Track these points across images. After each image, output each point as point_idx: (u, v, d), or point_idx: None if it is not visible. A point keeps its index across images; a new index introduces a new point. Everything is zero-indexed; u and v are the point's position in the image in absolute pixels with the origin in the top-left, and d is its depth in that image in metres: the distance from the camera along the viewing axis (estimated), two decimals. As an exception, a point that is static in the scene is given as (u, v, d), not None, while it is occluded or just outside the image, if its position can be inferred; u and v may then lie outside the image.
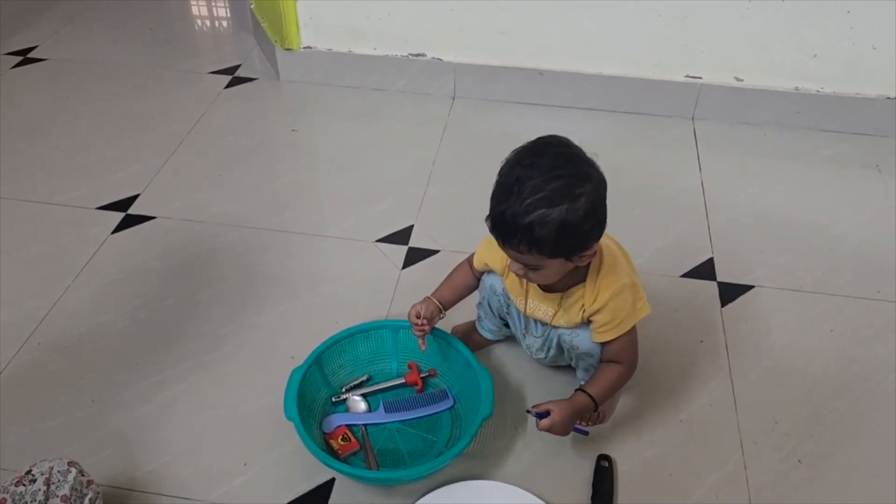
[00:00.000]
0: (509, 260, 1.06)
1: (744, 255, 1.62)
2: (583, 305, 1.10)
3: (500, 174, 1.00)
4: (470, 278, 1.26)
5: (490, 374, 1.22)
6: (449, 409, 1.28)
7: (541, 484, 1.17)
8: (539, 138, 1.01)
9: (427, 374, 1.32)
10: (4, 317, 1.43)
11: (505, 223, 0.97)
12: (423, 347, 1.24)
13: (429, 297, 1.24)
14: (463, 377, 1.27)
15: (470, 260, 1.26)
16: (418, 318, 1.21)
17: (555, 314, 1.15)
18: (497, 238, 1.01)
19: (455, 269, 1.29)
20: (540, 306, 1.16)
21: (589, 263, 1.09)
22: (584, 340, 1.15)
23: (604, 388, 1.15)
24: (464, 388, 1.26)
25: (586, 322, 1.13)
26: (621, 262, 1.12)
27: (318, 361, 1.25)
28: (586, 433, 1.20)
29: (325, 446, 1.20)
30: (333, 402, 1.28)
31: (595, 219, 0.99)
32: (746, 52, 1.95)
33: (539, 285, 1.13)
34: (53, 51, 2.35)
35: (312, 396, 1.24)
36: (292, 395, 1.17)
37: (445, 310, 1.24)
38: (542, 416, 1.11)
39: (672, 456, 1.22)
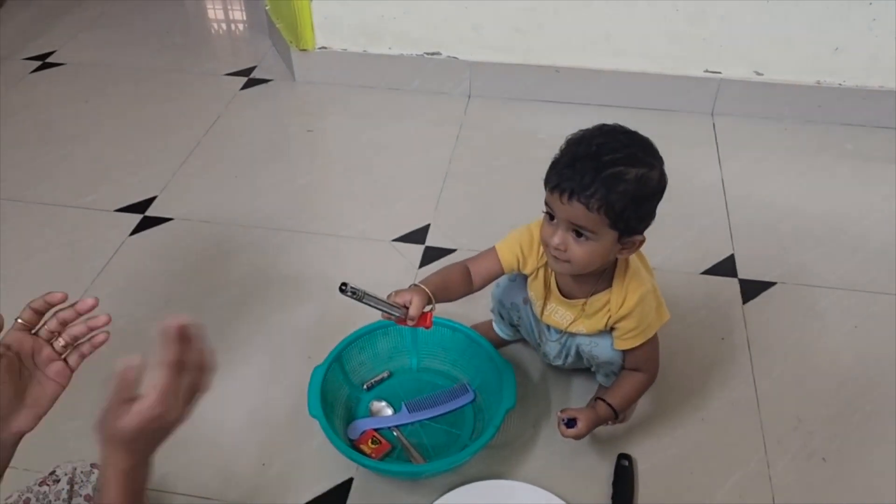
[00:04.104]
0: (542, 256, 1.03)
1: (765, 251, 1.60)
2: (608, 311, 1.08)
3: (568, 143, 0.97)
4: (463, 279, 1.14)
5: (512, 366, 1.21)
6: (470, 402, 1.27)
7: (561, 483, 1.16)
8: (607, 123, 1.00)
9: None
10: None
11: (582, 174, 0.92)
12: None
13: (419, 285, 1.07)
14: (484, 370, 1.26)
15: (468, 264, 1.16)
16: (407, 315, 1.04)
17: (573, 321, 1.13)
18: (562, 193, 0.93)
19: (450, 266, 1.16)
20: (558, 310, 1.14)
21: (614, 270, 1.07)
22: (604, 350, 1.13)
23: (624, 399, 1.14)
24: (485, 382, 1.26)
25: (608, 329, 1.11)
26: (642, 269, 1.10)
27: (339, 359, 1.26)
28: None
29: (351, 446, 1.19)
30: (366, 388, 1.29)
31: (657, 201, 0.98)
32: (766, 46, 1.92)
33: (563, 292, 1.11)
34: (71, 55, 2.37)
35: (334, 394, 1.24)
36: (315, 393, 1.17)
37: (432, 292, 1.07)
38: (569, 422, 1.11)
39: (693, 455, 1.21)
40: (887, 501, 1.15)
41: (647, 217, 0.99)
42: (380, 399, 1.29)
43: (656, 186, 0.96)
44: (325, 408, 1.16)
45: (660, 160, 0.98)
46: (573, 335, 1.16)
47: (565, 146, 0.98)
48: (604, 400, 1.13)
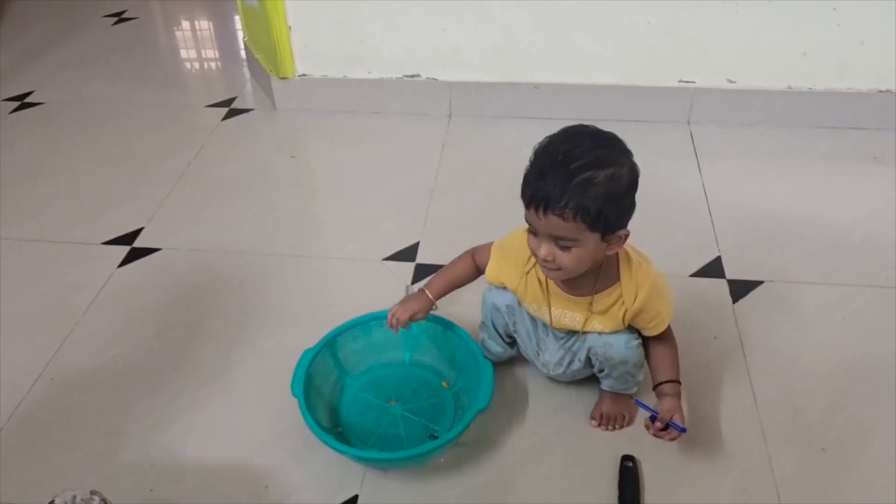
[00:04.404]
0: (530, 259, 1.06)
1: (751, 252, 1.63)
2: (623, 305, 1.09)
3: (536, 154, 0.99)
4: (469, 271, 1.24)
5: (493, 367, 1.22)
6: (452, 398, 1.29)
7: (566, 487, 1.16)
8: (571, 125, 1.02)
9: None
10: (16, 354, 1.43)
11: (552, 186, 0.94)
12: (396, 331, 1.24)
13: (423, 291, 1.23)
14: (469, 370, 1.27)
15: (473, 254, 1.24)
16: (405, 320, 1.20)
17: (585, 320, 1.13)
18: (537, 208, 0.96)
19: (454, 262, 1.26)
20: (566, 314, 1.14)
21: (618, 263, 1.09)
22: (618, 350, 1.14)
23: (677, 366, 1.16)
24: (469, 381, 1.26)
25: (627, 326, 1.12)
26: (639, 255, 1.13)
27: (331, 345, 1.28)
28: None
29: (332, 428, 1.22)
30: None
31: (633, 194, 0.99)
32: (737, 53, 1.98)
33: (563, 289, 1.12)
34: (50, 94, 2.37)
35: (323, 378, 1.27)
36: (300, 374, 1.20)
37: (437, 300, 1.23)
38: (655, 417, 1.11)
39: (696, 453, 1.21)
40: (889, 485, 1.16)
41: (626, 212, 1.00)
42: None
43: (628, 181, 0.97)
44: (310, 391, 1.19)
45: (628, 154, 0.99)
46: (582, 338, 1.17)
47: (533, 157, 1.00)
48: (665, 382, 1.14)
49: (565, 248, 1.00)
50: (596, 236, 0.98)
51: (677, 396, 1.13)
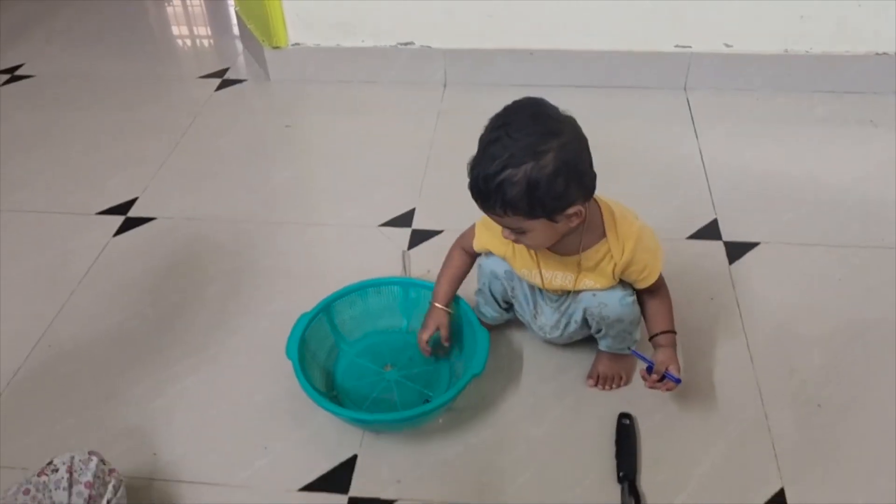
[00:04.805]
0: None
1: (747, 214, 1.63)
2: (612, 260, 1.09)
3: (479, 140, 1.00)
4: (465, 263, 1.27)
5: (489, 334, 1.22)
6: (447, 365, 1.29)
7: (564, 444, 1.17)
8: (513, 102, 1.00)
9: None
10: (13, 323, 1.42)
11: (478, 187, 0.98)
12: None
13: (436, 306, 1.25)
14: (465, 335, 1.27)
15: (461, 244, 1.26)
16: (441, 343, 1.26)
17: (576, 278, 1.14)
18: (477, 203, 1.01)
19: (448, 260, 1.27)
20: (557, 275, 1.15)
21: (602, 219, 1.09)
22: (613, 308, 1.14)
23: (671, 317, 1.17)
24: (465, 347, 1.27)
25: (619, 282, 1.13)
26: (626, 212, 1.12)
27: (328, 310, 1.29)
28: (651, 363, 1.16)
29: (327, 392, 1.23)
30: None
31: (568, 175, 0.96)
32: (733, 17, 1.96)
33: (550, 251, 1.12)
34: (41, 67, 2.35)
35: (319, 343, 1.28)
36: (295, 337, 1.21)
37: (448, 306, 1.26)
38: (651, 367, 1.13)
39: (692, 411, 1.22)
40: (883, 438, 1.17)
41: (564, 194, 0.97)
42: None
43: (553, 168, 0.94)
44: (305, 354, 1.21)
45: (560, 132, 0.96)
46: (577, 299, 1.17)
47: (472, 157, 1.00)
48: (660, 333, 1.15)
49: (520, 233, 1.03)
50: (541, 221, 1.00)
51: (673, 347, 1.15)
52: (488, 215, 1.03)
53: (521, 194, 0.95)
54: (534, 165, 0.94)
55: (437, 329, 1.24)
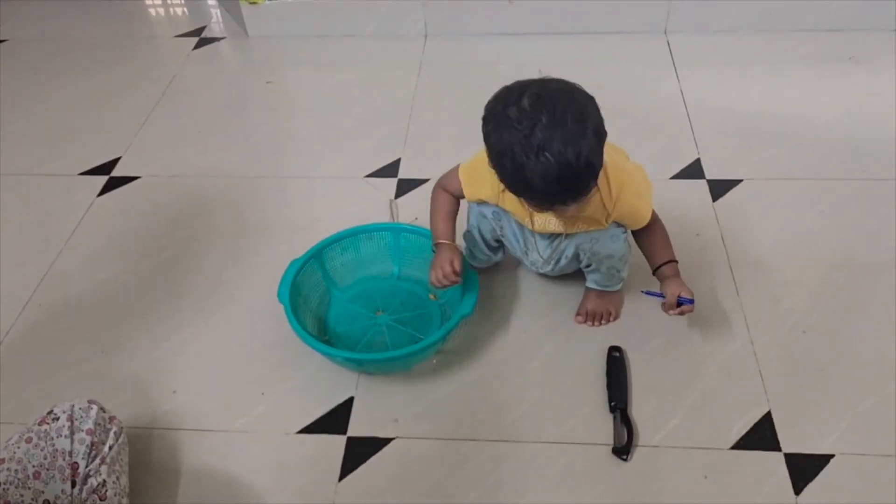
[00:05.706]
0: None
1: (730, 153, 1.64)
2: (604, 208, 1.09)
3: (524, 150, 0.93)
4: (453, 202, 1.24)
5: (477, 276, 1.24)
6: (439, 309, 1.31)
7: (557, 379, 1.20)
8: (514, 82, 0.98)
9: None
10: (1, 283, 1.42)
11: (571, 171, 0.92)
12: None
13: (443, 242, 1.20)
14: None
15: (444, 187, 1.22)
16: (456, 274, 1.16)
17: (569, 224, 1.14)
18: (562, 203, 0.97)
19: (436, 202, 1.24)
20: (551, 220, 1.14)
21: None
22: (604, 244, 1.16)
23: (670, 247, 1.19)
24: (454, 292, 1.27)
25: (612, 223, 1.13)
26: (613, 154, 1.12)
27: (319, 256, 1.30)
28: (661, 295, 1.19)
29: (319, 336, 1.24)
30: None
31: (599, 126, 0.96)
32: (713, -43, 1.95)
33: None
34: (14, 31, 2.30)
35: (311, 289, 1.30)
36: (287, 282, 1.22)
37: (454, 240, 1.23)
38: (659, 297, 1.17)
39: (680, 342, 1.25)
40: (865, 359, 1.20)
41: (602, 143, 0.96)
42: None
43: (598, 138, 0.95)
44: (297, 299, 1.22)
45: (582, 104, 0.94)
46: (571, 236, 1.18)
47: (518, 154, 0.93)
48: (662, 265, 1.18)
49: (583, 206, 1.03)
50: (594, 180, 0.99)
51: (677, 275, 1.17)
52: (562, 208, 0.99)
53: (597, 158, 0.94)
54: (588, 139, 0.92)
55: (451, 262, 1.17)
